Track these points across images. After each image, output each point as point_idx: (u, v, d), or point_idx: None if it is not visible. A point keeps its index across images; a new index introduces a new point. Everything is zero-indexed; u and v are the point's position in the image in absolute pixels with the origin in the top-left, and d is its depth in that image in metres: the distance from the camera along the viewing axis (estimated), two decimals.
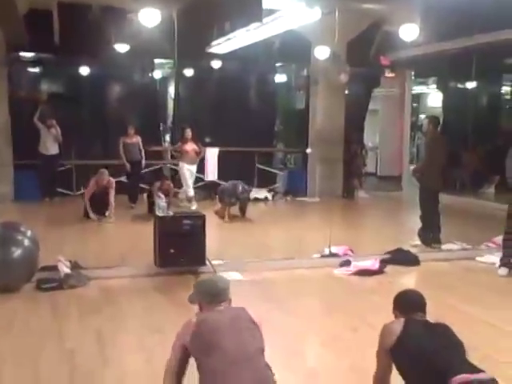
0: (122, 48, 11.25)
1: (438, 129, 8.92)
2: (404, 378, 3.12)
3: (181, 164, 11.81)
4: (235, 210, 10.82)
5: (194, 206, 11.32)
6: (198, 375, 2.93)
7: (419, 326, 3.23)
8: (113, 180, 10.42)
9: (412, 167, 9.37)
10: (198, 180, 12.56)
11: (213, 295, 3.13)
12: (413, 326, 3.19)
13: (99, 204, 10.20)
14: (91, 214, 10.11)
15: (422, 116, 22.90)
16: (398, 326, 3.19)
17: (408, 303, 3.41)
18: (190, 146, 11.62)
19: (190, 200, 11.76)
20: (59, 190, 12.72)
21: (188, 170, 11.75)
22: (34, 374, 4.24)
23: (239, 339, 2.94)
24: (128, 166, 11.78)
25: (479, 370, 2.92)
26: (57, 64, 13.34)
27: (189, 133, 11.62)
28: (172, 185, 11.13)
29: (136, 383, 4.06)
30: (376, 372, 3.34)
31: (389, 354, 3.18)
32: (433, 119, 9.07)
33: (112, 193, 10.28)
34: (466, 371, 2.85)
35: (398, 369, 3.17)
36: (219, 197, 10.87)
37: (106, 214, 10.24)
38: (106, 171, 10.44)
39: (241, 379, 2.79)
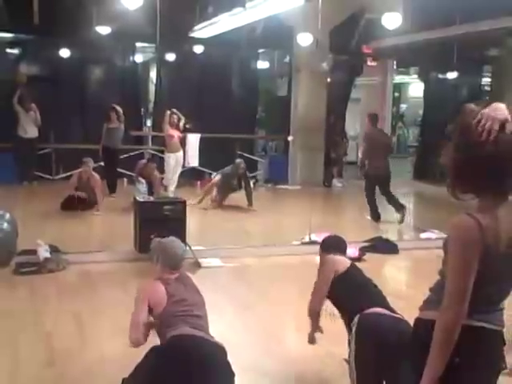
0: (103, 30, 11.09)
1: (376, 124, 10.01)
2: (337, 305, 3.75)
3: (167, 154, 11.07)
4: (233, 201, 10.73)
5: (171, 194, 10.63)
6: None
7: (356, 267, 3.91)
8: (97, 178, 9.71)
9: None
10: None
11: (174, 262, 3.70)
12: (353, 266, 3.87)
13: (72, 199, 9.54)
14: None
15: (404, 105, 23.16)
16: (346, 262, 3.85)
17: (330, 243, 4.11)
18: (177, 132, 11.01)
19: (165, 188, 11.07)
20: (38, 173, 12.58)
21: (174, 160, 11.00)
22: (12, 356, 4.23)
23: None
24: (101, 152, 11.26)
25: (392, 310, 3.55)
26: (36, 46, 13.09)
27: (175, 118, 10.96)
28: (156, 170, 10.41)
29: (114, 365, 4.05)
30: (312, 300, 3.84)
31: (329, 283, 3.74)
32: (371, 116, 9.99)
33: (99, 192, 9.62)
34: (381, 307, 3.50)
35: (335, 297, 3.74)
36: (221, 181, 10.60)
37: (97, 212, 9.55)
38: (90, 160, 9.79)
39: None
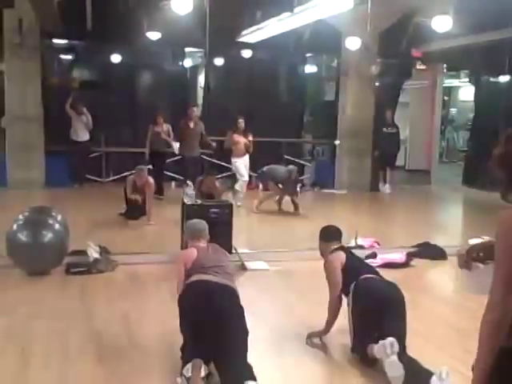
0: (153, 36, 11.30)
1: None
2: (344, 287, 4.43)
3: (233, 160, 11.17)
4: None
5: (239, 202, 10.60)
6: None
7: (351, 253, 4.72)
8: (151, 181, 9.22)
9: None
10: (222, 169, 12.37)
11: (195, 232, 4.57)
12: (349, 254, 4.64)
13: (135, 207, 9.09)
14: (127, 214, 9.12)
15: (454, 109, 22.77)
16: (343, 255, 4.55)
17: (329, 233, 4.81)
18: (241, 138, 11.04)
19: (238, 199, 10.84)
20: (89, 176, 12.89)
21: (242, 164, 11.09)
22: (62, 352, 4.36)
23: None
24: (147, 156, 11.33)
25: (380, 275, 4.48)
26: (89, 51, 13.51)
27: (242, 123, 11.07)
28: (217, 182, 9.65)
29: (162, 363, 4.14)
30: (332, 295, 4.45)
31: (340, 273, 4.44)
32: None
33: (151, 195, 9.15)
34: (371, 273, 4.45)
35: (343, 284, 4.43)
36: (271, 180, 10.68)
37: (150, 222, 8.99)
38: (145, 168, 9.40)
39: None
